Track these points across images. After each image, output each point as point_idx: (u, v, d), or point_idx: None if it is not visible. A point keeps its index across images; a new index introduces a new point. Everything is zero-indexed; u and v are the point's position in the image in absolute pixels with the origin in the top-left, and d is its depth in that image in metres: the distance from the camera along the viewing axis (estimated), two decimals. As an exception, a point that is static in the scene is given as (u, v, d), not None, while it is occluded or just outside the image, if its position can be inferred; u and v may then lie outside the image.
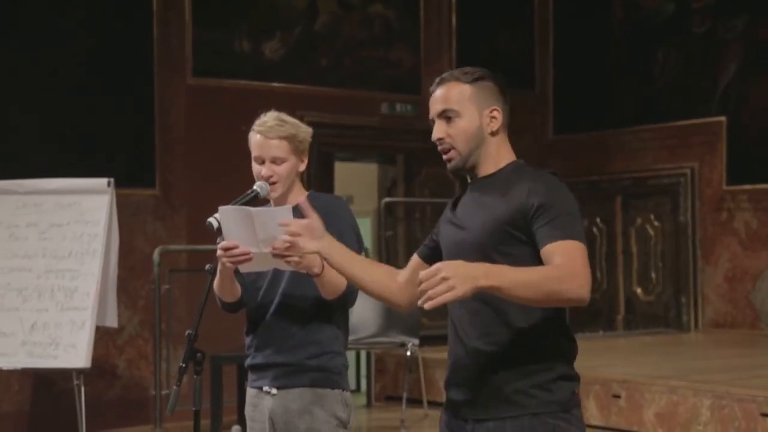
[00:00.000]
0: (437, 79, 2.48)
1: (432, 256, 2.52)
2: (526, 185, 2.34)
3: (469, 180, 2.49)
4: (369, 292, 2.53)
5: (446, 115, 2.43)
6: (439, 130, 2.44)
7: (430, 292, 2.08)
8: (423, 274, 2.11)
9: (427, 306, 2.10)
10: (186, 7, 7.62)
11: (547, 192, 2.32)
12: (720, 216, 8.67)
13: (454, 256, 2.35)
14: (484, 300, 2.31)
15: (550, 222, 2.27)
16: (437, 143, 2.45)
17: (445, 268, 2.10)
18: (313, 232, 2.50)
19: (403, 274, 2.54)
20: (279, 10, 8.14)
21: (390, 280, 2.53)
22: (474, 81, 2.43)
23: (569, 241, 2.25)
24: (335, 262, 2.51)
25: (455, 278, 2.08)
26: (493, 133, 2.43)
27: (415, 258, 2.59)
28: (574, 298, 2.19)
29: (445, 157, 2.46)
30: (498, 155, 2.43)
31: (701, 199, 8.78)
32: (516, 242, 2.32)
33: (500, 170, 2.43)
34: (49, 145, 6.85)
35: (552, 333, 2.36)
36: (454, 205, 2.52)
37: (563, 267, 2.21)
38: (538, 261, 2.27)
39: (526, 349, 2.32)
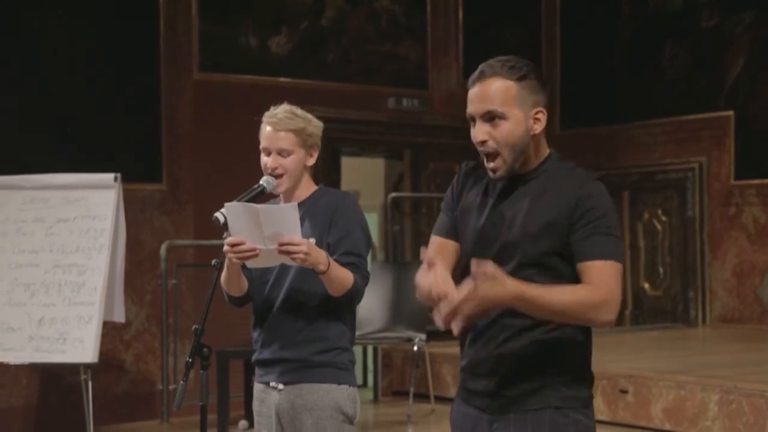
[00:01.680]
0: (477, 72, 2.29)
1: (456, 234, 2.40)
2: (574, 192, 2.24)
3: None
4: None
5: (490, 117, 2.25)
6: (481, 132, 2.26)
7: (459, 322, 2.09)
8: (457, 296, 2.07)
9: (454, 329, 2.11)
10: (192, 2, 7.61)
11: (597, 204, 2.23)
12: (728, 211, 8.64)
13: (483, 248, 2.28)
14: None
15: (593, 236, 2.22)
16: (479, 145, 2.28)
17: (479, 293, 2.07)
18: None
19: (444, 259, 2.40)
20: (285, 5, 8.13)
21: None
22: (520, 78, 2.26)
23: (609, 261, 2.21)
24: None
25: (487, 301, 2.09)
26: (535, 136, 2.29)
27: (437, 239, 2.42)
28: (599, 324, 2.22)
29: (489, 165, 2.28)
30: (538, 152, 2.32)
31: (709, 193, 8.75)
32: (557, 253, 2.25)
33: (540, 165, 2.32)
34: (56, 141, 6.86)
35: (573, 331, 2.32)
36: (473, 185, 2.38)
37: (595, 292, 2.19)
38: (572, 271, 2.24)
39: (551, 347, 2.29)
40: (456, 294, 2.09)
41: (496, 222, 2.31)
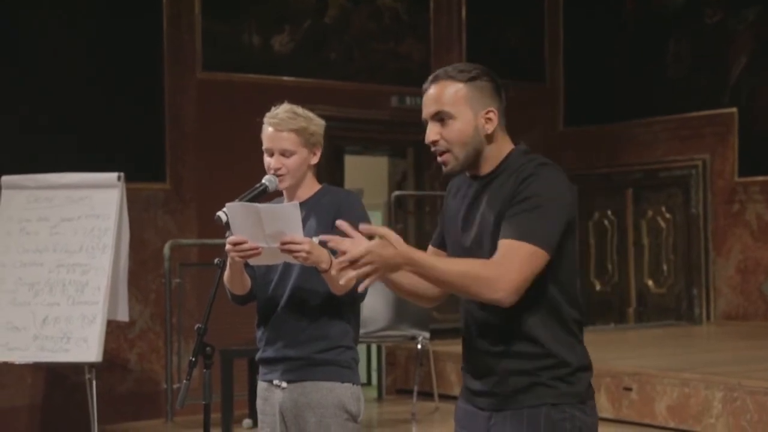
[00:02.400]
0: (430, 77, 2.38)
1: (444, 242, 2.50)
2: (518, 175, 2.29)
3: (468, 175, 2.43)
4: (408, 295, 2.47)
5: (440, 117, 2.33)
6: (432, 132, 2.35)
7: (351, 273, 2.12)
8: (349, 253, 2.12)
9: (343, 282, 2.15)
10: (195, 1, 7.62)
11: (533, 185, 2.26)
12: (732, 208, 8.63)
13: (468, 250, 2.35)
14: None
15: (512, 217, 2.24)
16: (431, 145, 2.37)
17: (370, 253, 2.12)
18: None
19: None
20: (288, 4, 8.13)
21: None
22: (469, 80, 2.33)
23: (520, 242, 2.21)
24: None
25: (378, 264, 2.13)
26: (488, 136, 2.35)
27: (430, 249, 2.54)
28: (487, 300, 2.22)
29: (440, 159, 2.37)
30: (497, 153, 2.37)
31: (713, 190, 8.74)
32: None
33: (499, 166, 2.36)
34: (60, 140, 6.87)
35: (565, 326, 2.34)
36: (457, 191, 2.46)
37: (489, 268, 2.20)
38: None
39: (546, 342, 2.31)
40: (353, 248, 2.14)
41: (465, 227, 2.39)
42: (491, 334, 2.34)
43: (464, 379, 2.45)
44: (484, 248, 2.30)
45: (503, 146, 2.38)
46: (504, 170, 2.35)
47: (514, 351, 2.31)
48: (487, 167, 2.37)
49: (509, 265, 2.19)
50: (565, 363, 2.32)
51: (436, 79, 2.36)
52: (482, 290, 2.19)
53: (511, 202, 2.26)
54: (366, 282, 2.16)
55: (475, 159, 2.35)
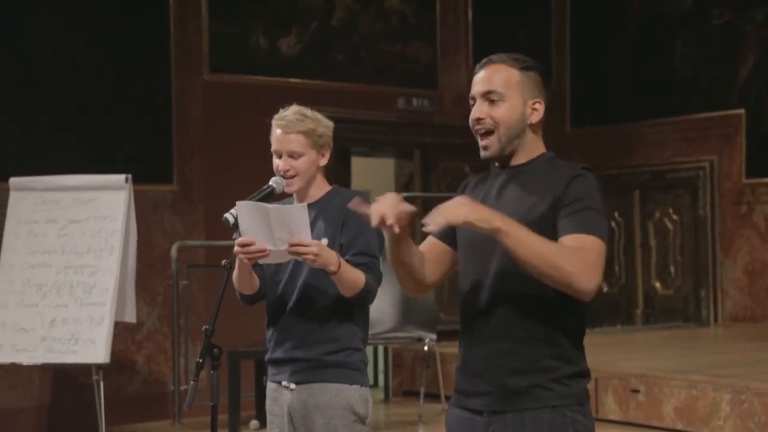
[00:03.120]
0: (485, 60, 2.42)
1: (446, 235, 2.47)
2: (563, 179, 2.30)
3: (497, 166, 2.44)
4: (404, 271, 2.45)
5: (490, 98, 2.37)
6: (480, 110, 2.38)
7: (443, 213, 2.16)
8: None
9: (431, 225, 2.19)
10: (203, 2, 7.63)
11: (580, 186, 2.29)
12: (739, 209, 8.61)
13: (478, 246, 2.33)
14: (504, 294, 2.31)
15: (574, 214, 2.26)
16: (475, 123, 2.39)
17: (468, 202, 2.15)
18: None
19: (430, 258, 2.49)
20: (295, 6, 8.14)
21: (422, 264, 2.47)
22: (523, 68, 2.39)
23: (589, 235, 2.24)
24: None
25: (473, 208, 2.16)
26: (531, 125, 2.39)
27: (429, 238, 2.52)
28: (575, 285, 2.20)
29: (482, 142, 2.38)
30: (533, 147, 2.40)
31: (720, 192, 8.73)
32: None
33: (533, 160, 2.39)
34: (68, 142, 6.88)
35: (570, 328, 2.34)
36: (475, 188, 2.46)
37: (577, 253, 2.21)
38: None
39: (545, 344, 2.31)
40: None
41: None
42: (495, 334, 2.33)
43: (458, 381, 2.43)
44: None
45: (538, 142, 2.42)
46: (536, 166, 2.37)
47: (518, 351, 2.31)
48: (521, 158, 2.40)
49: (591, 255, 2.22)
50: (570, 366, 2.32)
51: (489, 62, 2.41)
52: (575, 272, 2.18)
53: (562, 198, 2.28)
54: (445, 216, 2.17)
55: (515, 144, 2.38)
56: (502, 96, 2.36)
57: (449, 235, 2.47)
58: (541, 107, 2.39)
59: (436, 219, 2.19)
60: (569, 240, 2.24)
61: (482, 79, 2.39)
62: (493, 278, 2.33)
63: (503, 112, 2.36)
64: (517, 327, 2.31)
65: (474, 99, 2.40)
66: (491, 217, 2.18)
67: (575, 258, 2.20)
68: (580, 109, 9.58)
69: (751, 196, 8.53)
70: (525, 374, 2.30)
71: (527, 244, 2.18)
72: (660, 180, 9.18)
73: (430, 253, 2.47)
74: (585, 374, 2.37)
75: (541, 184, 2.32)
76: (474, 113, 2.39)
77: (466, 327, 2.40)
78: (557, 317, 2.32)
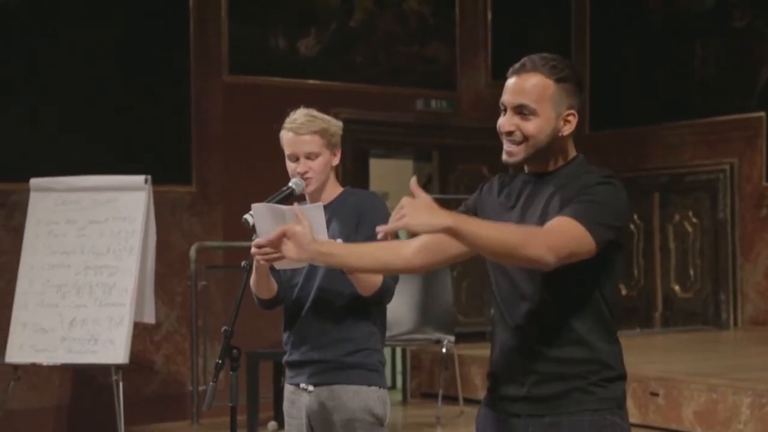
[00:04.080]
0: (518, 65, 2.31)
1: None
2: (582, 181, 2.25)
3: (525, 170, 2.38)
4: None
5: (521, 110, 2.27)
6: (510, 122, 2.28)
7: (388, 226, 2.08)
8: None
9: (380, 235, 2.12)
10: (222, 4, 7.65)
11: (597, 186, 2.22)
12: (759, 212, 8.56)
13: None
14: (541, 297, 2.27)
15: (574, 203, 2.20)
16: (504, 135, 2.30)
17: (410, 203, 2.05)
18: (302, 241, 2.42)
19: (413, 244, 2.42)
20: (314, 7, 8.15)
21: (394, 258, 2.43)
22: (559, 80, 2.28)
23: (571, 219, 2.16)
24: (336, 263, 2.47)
25: (417, 213, 2.04)
26: (564, 137, 2.31)
27: None
28: (524, 259, 2.11)
29: (508, 148, 2.30)
30: (563, 154, 2.33)
31: (740, 195, 8.67)
32: None
33: (562, 167, 2.32)
34: (87, 143, 6.91)
35: (606, 332, 2.31)
36: (501, 189, 2.40)
37: (535, 230, 2.15)
38: (596, 272, 2.24)
39: (594, 347, 2.28)
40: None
41: (518, 222, 2.31)
42: (533, 336, 2.29)
43: (492, 384, 2.39)
44: None
45: (569, 149, 2.35)
46: (567, 173, 2.31)
47: (556, 355, 2.27)
48: (551, 165, 2.33)
49: (555, 232, 2.14)
50: (609, 369, 2.30)
51: (523, 69, 2.30)
52: (520, 250, 2.09)
53: (571, 200, 2.22)
54: (391, 227, 2.09)
55: (541, 154, 2.30)
56: (534, 111, 2.26)
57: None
58: (574, 119, 2.30)
59: (387, 228, 2.11)
60: (550, 222, 2.18)
61: (515, 87, 2.28)
62: (524, 283, 2.29)
63: (534, 128, 2.27)
64: (561, 329, 2.27)
65: (504, 106, 2.31)
66: (439, 218, 2.06)
67: (528, 233, 2.12)
68: (599, 111, 9.54)
69: (772, 199, 8.47)
70: (562, 379, 2.27)
71: (479, 234, 2.09)
72: (679, 183, 9.14)
73: (431, 242, 2.38)
74: (623, 377, 2.34)
75: (567, 191, 2.26)
76: (504, 125, 2.29)
77: (502, 327, 2.35)
78: (602, 324, 2.29)
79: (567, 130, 2.31)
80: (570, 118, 2.30)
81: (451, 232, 2.07)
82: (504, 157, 2.32)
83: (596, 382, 2.28)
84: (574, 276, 2.23)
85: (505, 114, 2.32)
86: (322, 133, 3.01)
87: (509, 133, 2.29)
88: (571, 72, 2.32)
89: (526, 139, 2.28)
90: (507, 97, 2.30)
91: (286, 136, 3.04)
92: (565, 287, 2.24)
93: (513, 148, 2.30)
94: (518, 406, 2.32)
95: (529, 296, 2.29)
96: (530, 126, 2.27)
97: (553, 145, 2.31)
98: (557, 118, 2.29)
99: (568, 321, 2.27)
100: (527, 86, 2.27)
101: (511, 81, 2.30)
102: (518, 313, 2.31)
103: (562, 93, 2.29)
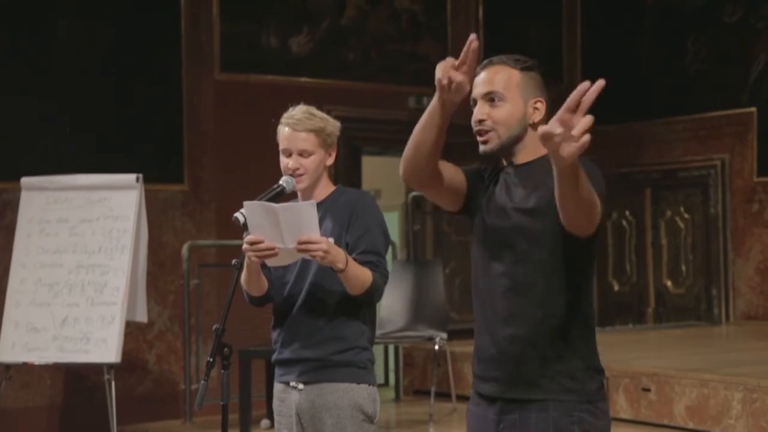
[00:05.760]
0: (485, 61, 2.43)
1: (471, 179, 2.49)
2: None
3: (504, 164, 2.45)
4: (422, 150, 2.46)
5: (490, 98, 2.38)
6: (481, 111, 2.39)
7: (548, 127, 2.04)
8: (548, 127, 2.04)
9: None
10: (214, 1, 7.64)
11: (586, 165, 2.25)
12: (751, 208, 8.58)
13: (489, 236, 2.36)
14: (515, 283, 2.32)
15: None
16: (476, 124, 2.40)
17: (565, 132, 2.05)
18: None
19: (446, 165, 2.50)
20: (306, 5, 8.14)
21: (433, 145, 2.48)
22: (523, 69, 2.40)
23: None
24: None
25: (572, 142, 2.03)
26: (533, 125, 2.38)
27: (459, 170, 2.53)
28: (594, 217, 2.19)
29: (480, 138, 2.40)
30: (536, 146, 2.37)
31: (732, 190, 8.70)
32: (558, 231, 2.27)
33: (537, 159, 2.38)
34: (79, 142, 6.90)
35: (581, 322, 2.35)
36: (490, 178, 2.46)
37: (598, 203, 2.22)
38: (559, 239, 2.27)
39: (554, 334, 2.31)
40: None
41: (497, 214, 2.39)
42: (504, 319, 2.34)
43: (474, 367, 2.45)
44: (528, 229, 2.33)
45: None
46: (542, 164, 2.34)
47: (527, 339, 2.32)
48: (523, 156, 2.40)
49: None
50: (578, 360, 2.32)
51: (490, 64, 2.42)
52: (595, 210, 2.18)
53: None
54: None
55: (514, 144, 2.39)
56: (503, 96, 2.37)
57: (474, 178, 2.49)
58: (542, 106, 2.40)
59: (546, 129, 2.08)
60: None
61: (483, 80, 2.40)
62: (504, 265, 2.35)
63: (504, 113, 2.37)
64: (526, 315, 2.32)
65: (475, 101, 2.41)
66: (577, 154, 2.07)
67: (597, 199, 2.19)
68: (591, 107, 9.55)
69: (763, 195, 8.49)
70: (534, 364, 2.31)
71: (584, 183, 2.13)
72: (671, 178, 9.16)
73: (451, 171, 2.48)
74: (598, 371, 2.37)
75: (544, 179, 2.30)
76: (475, 115, 2.40)
77: (479, 313, 2.42)
78: (582, 320, 2.33)
79: (536, 117, 2.39)
80: (538, 105, 2.40)
81: (574, 166, 2.08)
82: (480, 147, 2.41)
83: (567, 372, 2.31)
84: (560, 267, 2.29)
85: (475, 108, 2.42)
86: (318, 132, 3.02)
87: (480, 122, 2.38)
88: (535, 64, 2.43)
89: (496, 125, 2.37)
90: (476, 90, 2.41)
91: (282, 130, 3.05)
92: (547, 279, 2.29)
93: (486, 136, 2.39)
94: (489, 387, 2.37)
95: (509, 287, 2.34)
96: (500, 112, 2.37)
97: (524, 132, 2.38)
98: (525, 105, 2.38)
99: (537, 308, 2.31)
100: (495, 77, 2.39)
101: (479, 76, 2.41)
102: (490, 297, 2.37)
103: (528, 81, 2.39)
